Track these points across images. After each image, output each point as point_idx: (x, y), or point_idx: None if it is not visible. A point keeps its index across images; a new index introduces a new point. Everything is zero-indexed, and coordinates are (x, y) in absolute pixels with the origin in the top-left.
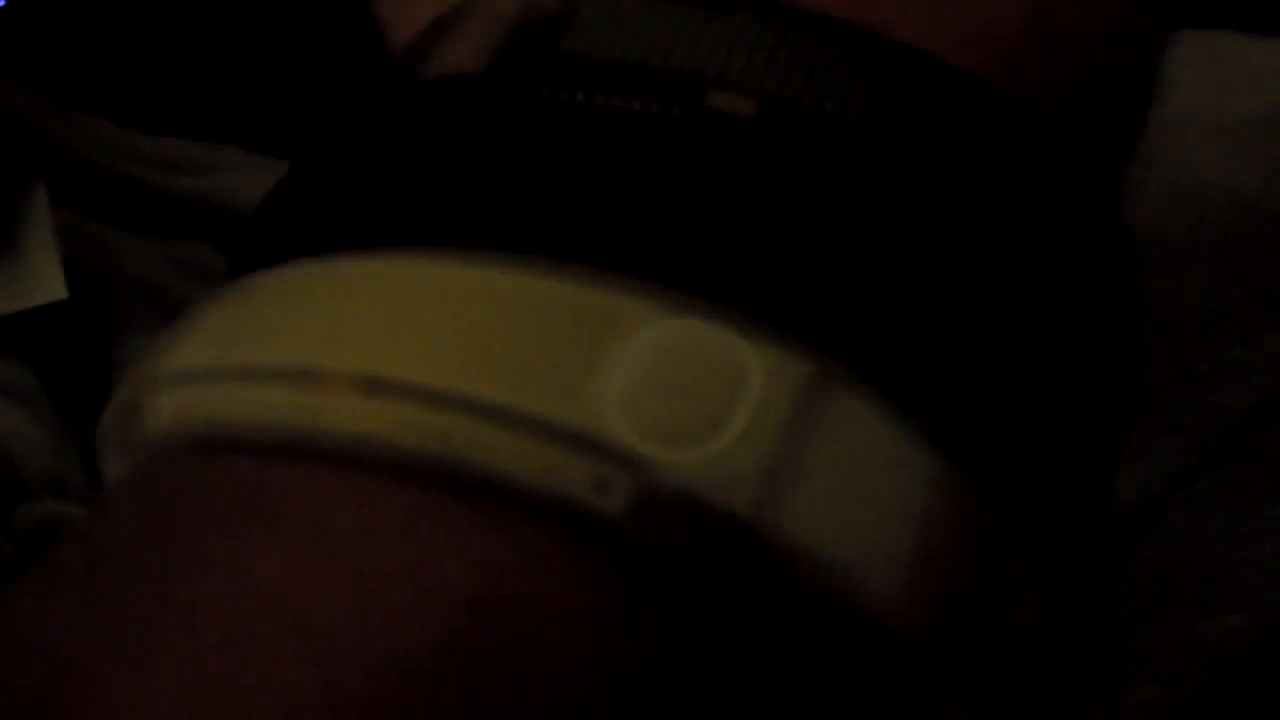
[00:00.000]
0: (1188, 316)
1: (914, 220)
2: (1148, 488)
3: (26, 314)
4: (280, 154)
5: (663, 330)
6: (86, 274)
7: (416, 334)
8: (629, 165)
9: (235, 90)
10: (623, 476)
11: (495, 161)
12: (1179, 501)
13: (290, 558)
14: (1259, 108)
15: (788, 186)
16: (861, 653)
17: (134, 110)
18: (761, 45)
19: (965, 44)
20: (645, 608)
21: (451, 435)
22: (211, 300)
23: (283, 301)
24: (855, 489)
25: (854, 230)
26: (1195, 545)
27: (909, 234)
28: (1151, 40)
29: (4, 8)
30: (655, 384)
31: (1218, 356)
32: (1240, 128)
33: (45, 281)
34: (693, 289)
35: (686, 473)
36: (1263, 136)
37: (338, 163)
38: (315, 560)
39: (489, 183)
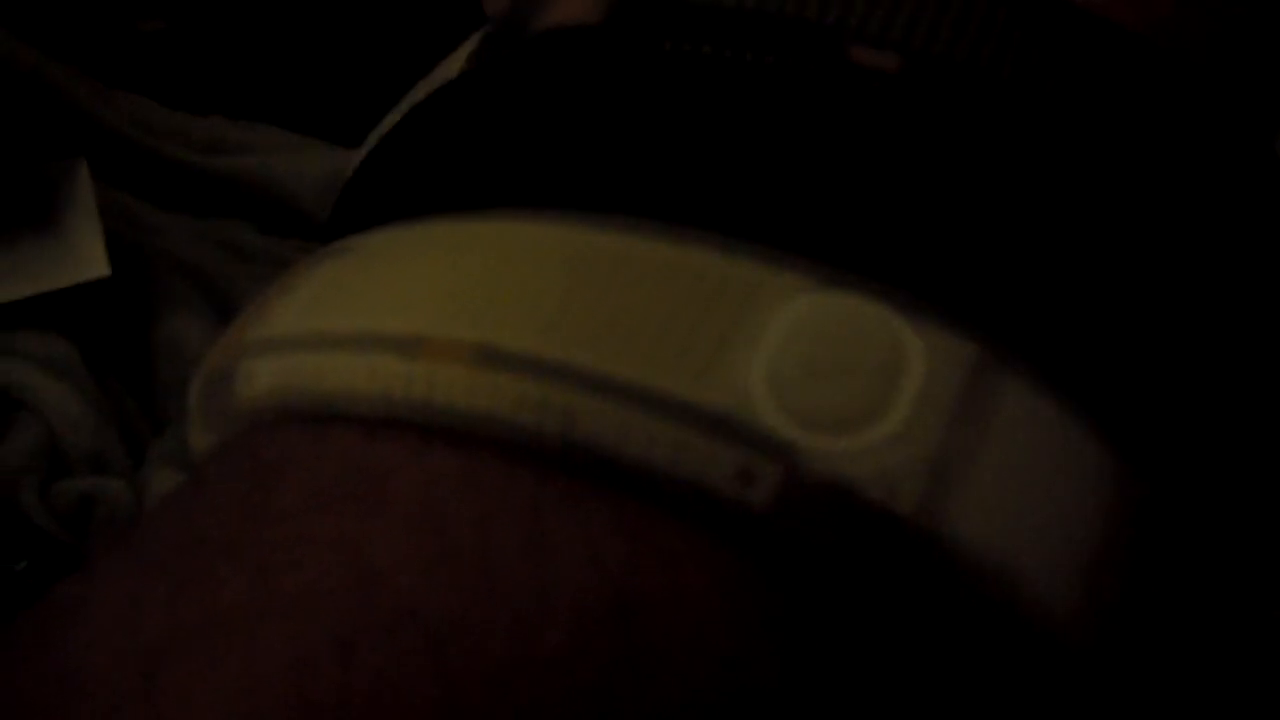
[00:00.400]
0: None
1: (1074, 189)
2: None
3: (69, 291)
4: (322, 134)
5: (811, 304)
6: (127, 252)
7: (535, 302)
8: (763, 125)
9: (278, 70)
10: (769, 465)
11: (617, 119)
12: None
13: (404, 545)
14: None
15: (938, 149)
16: (1027, 660)
17: (178, 90)
18: None
19: None
20: (785, 609)
21: (576, 414)
22: (307, 264)
23: (387, 265)
24: (1027, 487)
25: (1013, 200)
26: None
27: (1070, 205)
28: None
29: None
30: (804, 363)
31: None
32: None
33: (88, 259)
34: (838, 261)
35: (842, 464)
36: None
37: (443, 120)
38: (431, 550)
39: (611, 142)
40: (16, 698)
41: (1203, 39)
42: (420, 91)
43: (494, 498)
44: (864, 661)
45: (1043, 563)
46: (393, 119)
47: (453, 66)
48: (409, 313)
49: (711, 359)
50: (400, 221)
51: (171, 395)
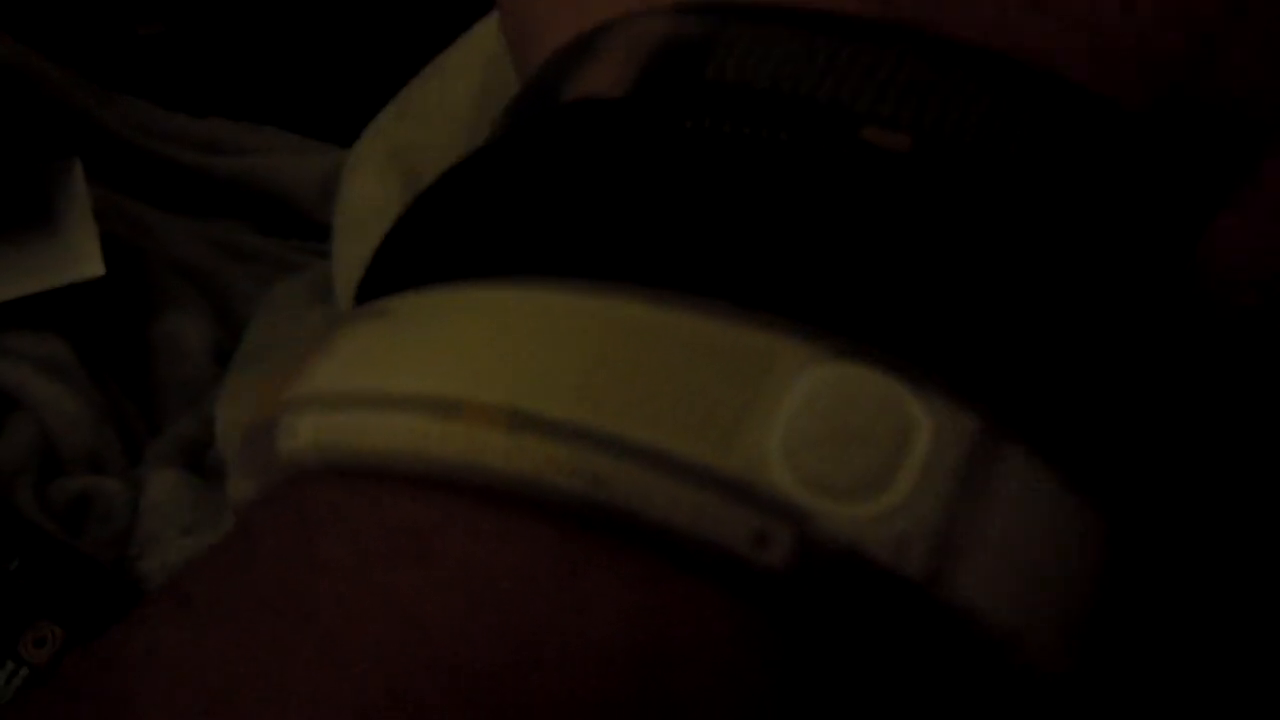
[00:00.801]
0: None
1: (1074, 268)
2: None
3: (65, 290)
4: (319, 135)
5: (825, 375)
6: (124, 252)
7: (564, 368)
8: (779, 200)
9: (275, 72)
10: (783, 529)
11: (640, 192)
12: None
13: (448, 599)
14: None
15: (946, 227)
16: (1028, 712)
17: (177, 93)
18: (918, 78)
19: (1124, 67)
20: (801, 660)
21: (602, 477)
22: (347, 322)
23: (424, 326)
24: (1025, 551)
25: (1015, 277)
26: None
27: (1068, 283)
28: None
29: None
30: (817, 432)
31: None
32: None
33: (83, 258)
34: (851, 331)
35: (853, 529)
36: None
37: (477, 184)
38: (474, 603)
39: (634, 214)
40: None
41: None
42: (420, 81)
43: (530, 555)
44: (873, 708)
45: (1040, 620)
46: (390, 110)
47: (451, 58)
48: (447, 376)
49: (731, 427)
50: (435, 284)
51: (169, 395)
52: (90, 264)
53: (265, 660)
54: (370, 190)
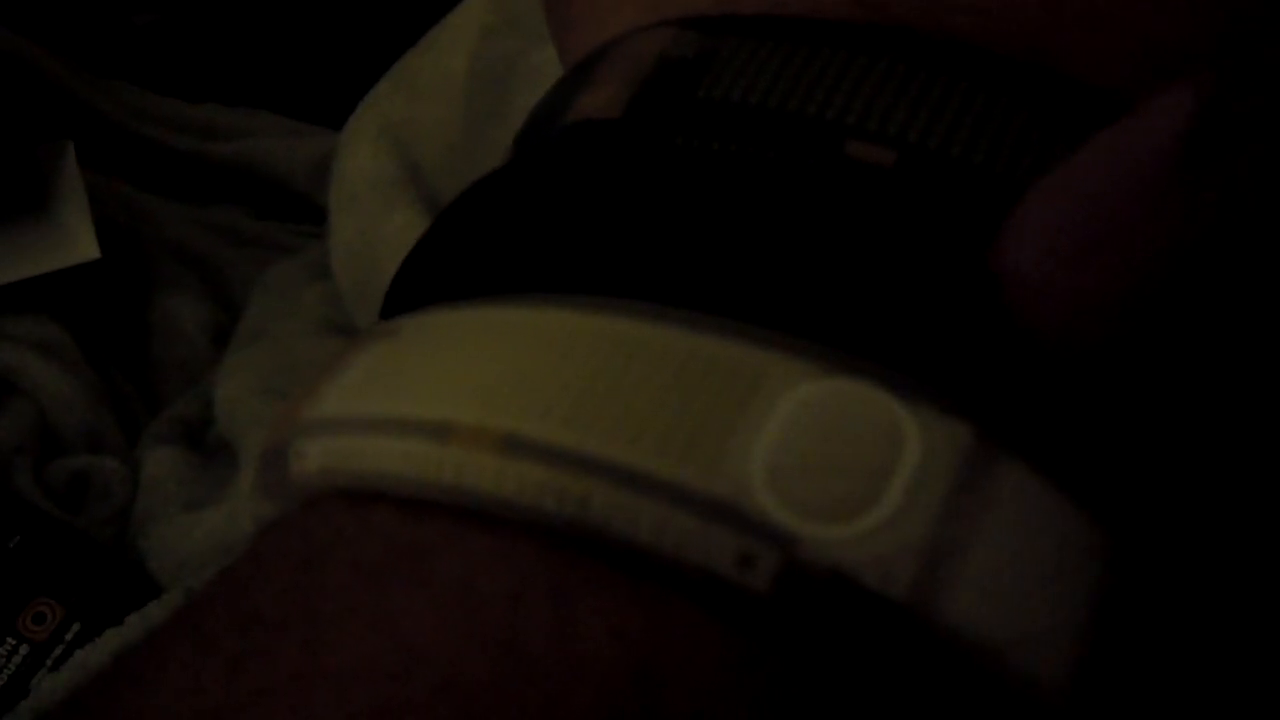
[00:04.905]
0: None
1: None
2: None
3: (61, 273)
4: (314, 119)
5: (813, 392)
6: (120, 236)
7: (558, 391)
8: (766, 215)
9: (268, 58)
10: (767, 552)
11: (633, 210)
12: None
13: (443, 621)
14: None
15: (928, 240)
16: None
17: (172, 80)
18: (905, 92)
19: (1153, 73)
20: (791, 682)
21: (590, 501)
22: (358, 344)
23: (426, 347)
24: (1019, 569)
25: (996, 289)
26: None
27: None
28: None
29: None
30: (803, 451)
31: None
32: None
33: (78, 242)
34: (840, 344)
35: (837, 551)
36: None
37: (482, 207)
38: (467, 626)
39: (627, 232)
40: None
41: None
42: (414, 55)
43: (523, 577)
44: None
45: (1034, 640)
46: (385, 84)
47: (445, 32)
48: (441, 399)
49: (717, 447)
50: (444, 303)
51: (167, 376)
52: (85, 247)
53: (261, 682)
54: (364, 164)
